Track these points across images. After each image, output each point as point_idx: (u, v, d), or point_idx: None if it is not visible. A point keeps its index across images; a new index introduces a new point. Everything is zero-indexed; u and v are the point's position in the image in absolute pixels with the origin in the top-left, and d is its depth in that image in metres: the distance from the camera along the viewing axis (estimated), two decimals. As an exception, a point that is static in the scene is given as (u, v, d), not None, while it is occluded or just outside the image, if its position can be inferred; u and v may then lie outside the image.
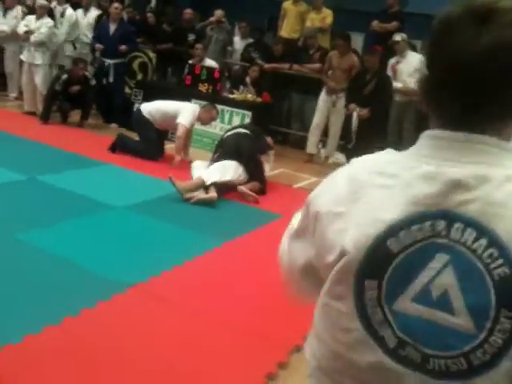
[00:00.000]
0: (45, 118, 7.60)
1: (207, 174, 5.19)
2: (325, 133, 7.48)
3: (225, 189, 5.32)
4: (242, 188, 5.42)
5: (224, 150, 5.63)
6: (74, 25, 8.74)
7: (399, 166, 0.92)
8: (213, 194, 5.07)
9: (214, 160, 5.54)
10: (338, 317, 0.95)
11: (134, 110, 7.17)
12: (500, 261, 0.83)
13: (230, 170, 5.34)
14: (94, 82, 7.75)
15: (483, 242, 0.84)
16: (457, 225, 0.85)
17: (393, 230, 0.88)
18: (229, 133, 5.97)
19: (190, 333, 2.94)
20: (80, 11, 8.98)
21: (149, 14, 9.88)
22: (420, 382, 0.87)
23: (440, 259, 0.86)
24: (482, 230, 0.84)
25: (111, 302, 3.09)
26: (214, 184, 5.15)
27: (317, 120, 7.38)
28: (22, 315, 2.87)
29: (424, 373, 0.87)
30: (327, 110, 7.27)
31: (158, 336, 2.86)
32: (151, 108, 6.48)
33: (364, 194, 0.92)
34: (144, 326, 2.93)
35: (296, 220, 1.12)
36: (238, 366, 2.72)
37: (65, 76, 7.48)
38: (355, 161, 1.01)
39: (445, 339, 0.86)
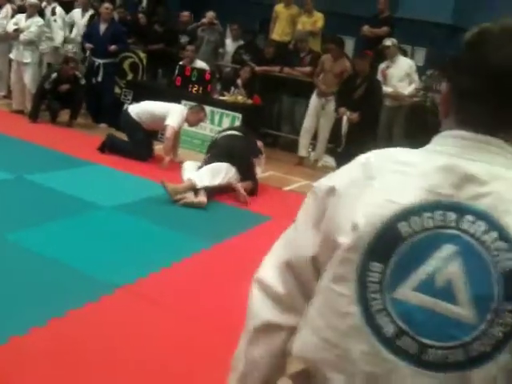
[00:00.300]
0: (33, 116, 7.55)
1: (198, 177, 5.15)
2: (315, 136, 7.50)
3: (215, 191, 5.31)
4: (238, 185, 5.43)
5: (216, 151, 5.62)
6: (64, 23, 8.69)
7: (416, 157, 0.95)
8: (202, 198, 5.04)
9: (206, 161, 5.52)
10: (336, 300, 0.93)
11: (123, 110, 7.14)
12: (509, 254, 0.84)
13: (221, 173, 5.32)
14: (83, 82, 7.72)
15: (493, 234, 0.85)
16: (468, 217, 0.87)
17: (405, 214, 0.89)
18: (221, 134, 5.97)
19: (177, 334, 2.93)
20: (78, 11, 8.94)
21: (140, 15, 9.85)
22: (413, 374, 0.87)
23: (447, 249, 0.87)
24: (492, 224, 0.86)
25: (99, 304, 3.07)
26: (205, 188, 5.14)
27: (307, 123, 7.40)
28: (8, 316, 2.84)
29: (419, 364, 0.86)
30: (317, 113, 7.30)
31: (145, 337, 2.84)
32: (139, 109, 6.47)
33: (378, 177, 0.94)
34: (131, 328, 2.91)
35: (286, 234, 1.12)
36: (224, 367, 2.71)
37: (54, 75, 7.44)
38: (371, 152, 1.02)
39: (445, 329, 0.86)
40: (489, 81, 0.92)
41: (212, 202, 5.17)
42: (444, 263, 0.87)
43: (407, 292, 0.88)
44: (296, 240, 1.06)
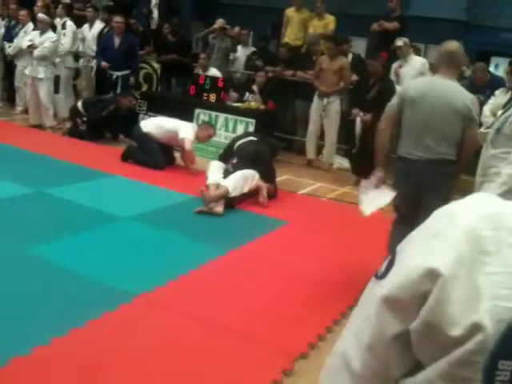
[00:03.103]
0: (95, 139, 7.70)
1: (232, 186, 5.23)
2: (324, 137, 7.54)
3: (236, 200, 5.37)
4: (263, 185, 5.56)
5: (242, 156, 5.69)
6: (75, 36, 8.83)
7: None
8: (220, 208, 5.08)
9: (234, 165, 5.58)
10: None
11: (139, 121, 7.23)
12: None
13: (249, 180, 5.45)
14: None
15: None
16: None
17: None
18: (242, 140, 5.99)
19: (195, 341, 2.96)
20: (86, 26, 9.13)
21: (166, 25, 9.83)
22: None
23: None
24: None
25: (117, 313, 3.11)
26: (228, 198, 5.22)
27: (311, 127, 7.46)
28: (30, 327, 2.90)
29: None
30: (320, 115, 7.33)
31: (163, 345, 2.87)
32: (151, 126, 6.60)
33: (495, 256, 0.79)
34: (149, 336, 2.95)
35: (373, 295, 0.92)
36: (243, 373, 2.74)
37: (113, 106, 7.64)
38: (462, 209, 0.85)
39: None
40: None
41: (228, 208, 5.20)
42: None
43: None
44: (385, 319, 0.87)
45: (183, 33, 9.88)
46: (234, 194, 5.23)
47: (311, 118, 7.46)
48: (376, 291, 0.88)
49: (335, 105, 7.24)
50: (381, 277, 0.89)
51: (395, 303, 0.85)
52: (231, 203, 5.25)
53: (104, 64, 8.22)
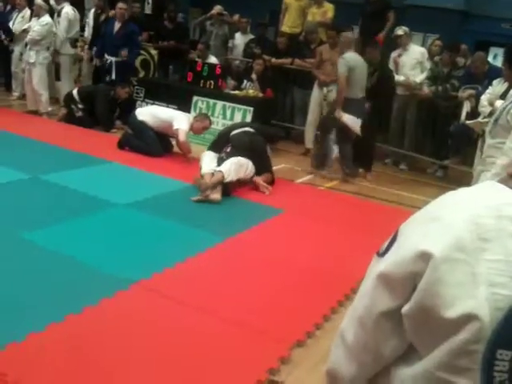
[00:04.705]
0: (108, 128, 7.65)
1: (227, 171, 5.20)
2: None
3: (234, 187, 5.35)
4: (259, 180, 5.56)
5: (237, 145, 5.62)
6: (72, 23, 8.71)
7: None
8: (217, 195, 5.06)
9: (228, 154, 5.52)
10: None
11: (136, 108, 7.19)
12: None
13: (243, 167, 5.42)
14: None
15: None
16: None
17: None
18: (237, 131, 5.93)
19: (192, 329, 2.95)
20: (92, 12, 9.08)
21: (165, 15, 9.72)
22: None
23: None
24: None
25: (114, 299, 3.11)
26: (223, 184, 5.19)
27: (311, 116, 7.40)
28: (26, 313, 2.89)
29: None
30: (320, 104, 7.28)
31: (161, 332, 2.87)
32: (146, 114, 6.56)
33: (494, 243, 0.79)
34: (147, 323, 2.95)
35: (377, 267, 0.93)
36: (240, 361, 2.74)
37: (112, 93, 7.60)
38: (467, 198, 0.87)
39: None
40: None
41: (224, 196, 5.18)
42: None
43: None
44: (377, 294, 0.90)
45: (181, 19, 9.77)
46: (229, 178, 5.18)
47: (311, 108, 7.40)
48: (375, 268, 0.91)
49: (334, 93, 7.20)
50: (382, 254, 0.92)
51: (388, 280, 0.87)
52: (227, 190, 5.22)
53: (96, 60, 8.23)
